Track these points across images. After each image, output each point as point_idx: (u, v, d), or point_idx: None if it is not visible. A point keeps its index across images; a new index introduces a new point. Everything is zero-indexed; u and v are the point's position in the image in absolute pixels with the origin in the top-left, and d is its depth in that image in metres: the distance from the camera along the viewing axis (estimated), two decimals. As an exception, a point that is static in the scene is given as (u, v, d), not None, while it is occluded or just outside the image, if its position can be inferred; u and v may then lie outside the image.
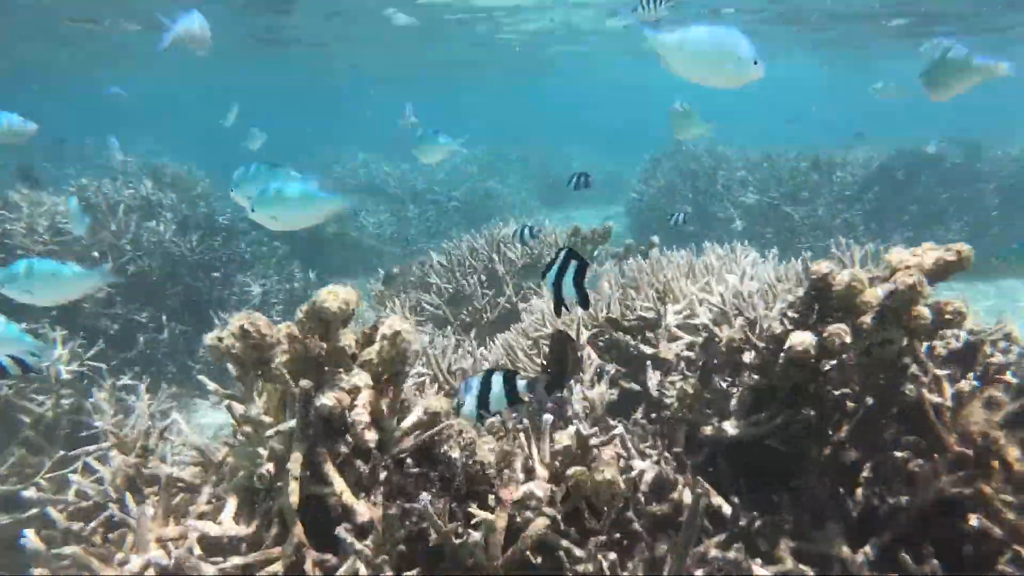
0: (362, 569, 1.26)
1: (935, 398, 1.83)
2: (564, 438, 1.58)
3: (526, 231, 4.78)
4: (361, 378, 1.58)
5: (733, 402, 2.04)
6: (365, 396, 1.57)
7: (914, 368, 1.75)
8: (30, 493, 2.05)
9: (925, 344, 1.98)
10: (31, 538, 1.75)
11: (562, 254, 1.72)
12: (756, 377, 1.98)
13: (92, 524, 1.85)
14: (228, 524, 1.52)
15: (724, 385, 2.10)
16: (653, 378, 2.34)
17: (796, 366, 1.72)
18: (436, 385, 2.63)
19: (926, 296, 1.57)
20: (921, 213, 8.88)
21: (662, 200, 9.97)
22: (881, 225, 8.63)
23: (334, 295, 1.49)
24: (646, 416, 2.32)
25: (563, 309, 1.77)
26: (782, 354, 1.73)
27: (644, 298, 2.70)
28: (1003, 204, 9.13)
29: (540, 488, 1.50)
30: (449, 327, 4.51)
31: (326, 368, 1.60)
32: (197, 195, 7.30)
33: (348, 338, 1.58)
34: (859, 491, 1.72)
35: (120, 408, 3.63)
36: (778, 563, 1.60)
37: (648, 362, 2.41)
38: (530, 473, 1.58)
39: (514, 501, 1.50)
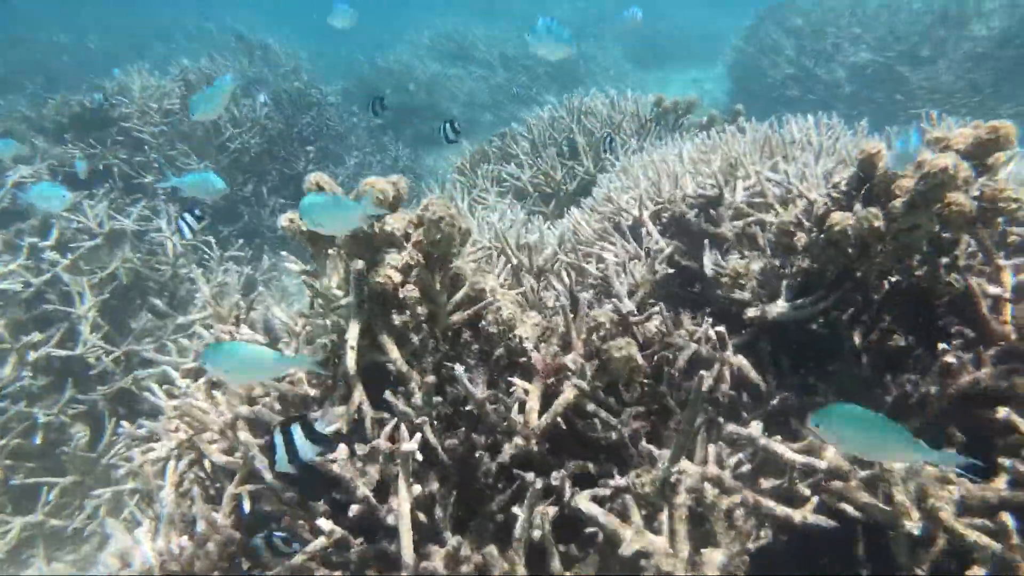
0: (403, 428, 1.44)
1: (994, 289, 1.79)
2: (600, 315, 1.68)
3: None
4: (412, 257, 1.71)
5: (784, 284, 2.05)
6: (415, 274, 1.71)
7: (963, 257, 1.71)
8: (152, 354, 2.37)
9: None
10: (157, 391, 2.07)
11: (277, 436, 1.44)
12: (807, 260, 1.99)
13: (199, 381, 2.15)
14: (303, 385, 1.75)
15: (778, 267, 2.11)
16: (709, 257, 2.36)
17: (834, 246, 1.71)
18: (503, 259, 2.76)
19: (962, 181, 1.51)
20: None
21: (763, 61, 9.33)
22: (1017, 87, 7.74)
23: (371, 184, 1.61)
24: (701, 294, 2.37)
25: None
26: (823, 235, 1.72)
27: (708, 174, 2.67)
28: None
29: (572, 361, 1.63)
30: (529, 198, 4.59)
31: (379, 248, 1.74)
32: (290, 70, 7.48)
33: (397, 221, 1.70)
34: (897, 378, 1.74)
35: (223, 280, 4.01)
36: (802, 440, 1.68)
37: (707, 240, 2.42)
38: (567, 348, 1.70)
39: (549, 373, 1.63)
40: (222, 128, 5.68)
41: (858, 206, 1.76)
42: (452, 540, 1.45)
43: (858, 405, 1.26)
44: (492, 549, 1.43)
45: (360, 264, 1.61)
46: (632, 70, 12.46)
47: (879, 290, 1.86)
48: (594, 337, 1.71)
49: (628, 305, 1.83)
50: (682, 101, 4.59)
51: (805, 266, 2.01)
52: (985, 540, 1.26)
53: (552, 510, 1.52)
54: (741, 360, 1.95)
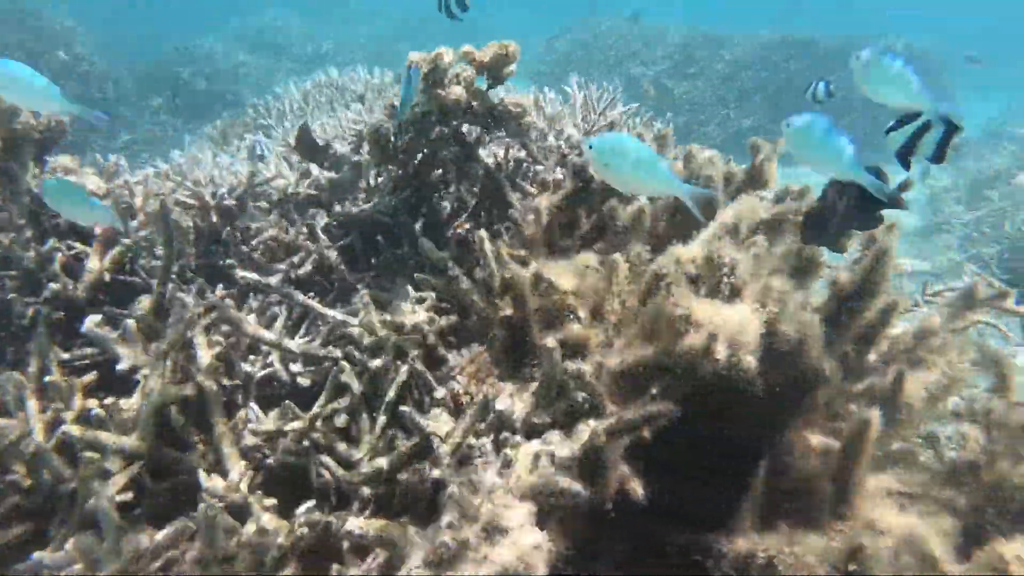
0: None
1: (532, 191, 2.24)
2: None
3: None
4: None
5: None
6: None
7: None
8: None
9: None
10: None
11: None
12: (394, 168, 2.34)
13: None
14: None
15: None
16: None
17: (376, 146, 2.05)
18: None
19: (453, 77, 1.89)
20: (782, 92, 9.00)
21: (558, 70, 10.07)
22: (756, 105, 8.86)
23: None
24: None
25: None
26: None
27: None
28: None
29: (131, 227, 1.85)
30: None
31: None
32: (61, 43, 7.20)
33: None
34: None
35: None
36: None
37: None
38: (132, 216, 1.92)
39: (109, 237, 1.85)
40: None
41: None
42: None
43: None
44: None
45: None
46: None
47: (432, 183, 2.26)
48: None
49: (207, 192, 2.08)
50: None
51: (393, 174, 2.36)
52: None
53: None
54: (331, 253, 2.25)
